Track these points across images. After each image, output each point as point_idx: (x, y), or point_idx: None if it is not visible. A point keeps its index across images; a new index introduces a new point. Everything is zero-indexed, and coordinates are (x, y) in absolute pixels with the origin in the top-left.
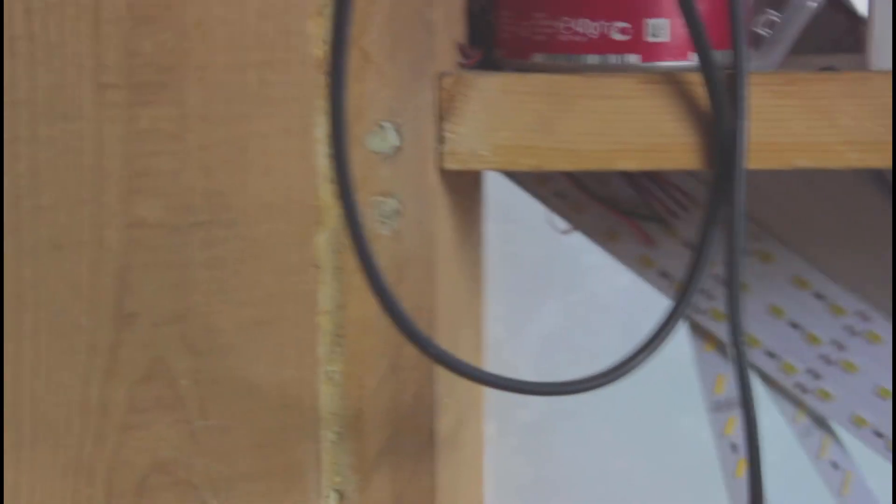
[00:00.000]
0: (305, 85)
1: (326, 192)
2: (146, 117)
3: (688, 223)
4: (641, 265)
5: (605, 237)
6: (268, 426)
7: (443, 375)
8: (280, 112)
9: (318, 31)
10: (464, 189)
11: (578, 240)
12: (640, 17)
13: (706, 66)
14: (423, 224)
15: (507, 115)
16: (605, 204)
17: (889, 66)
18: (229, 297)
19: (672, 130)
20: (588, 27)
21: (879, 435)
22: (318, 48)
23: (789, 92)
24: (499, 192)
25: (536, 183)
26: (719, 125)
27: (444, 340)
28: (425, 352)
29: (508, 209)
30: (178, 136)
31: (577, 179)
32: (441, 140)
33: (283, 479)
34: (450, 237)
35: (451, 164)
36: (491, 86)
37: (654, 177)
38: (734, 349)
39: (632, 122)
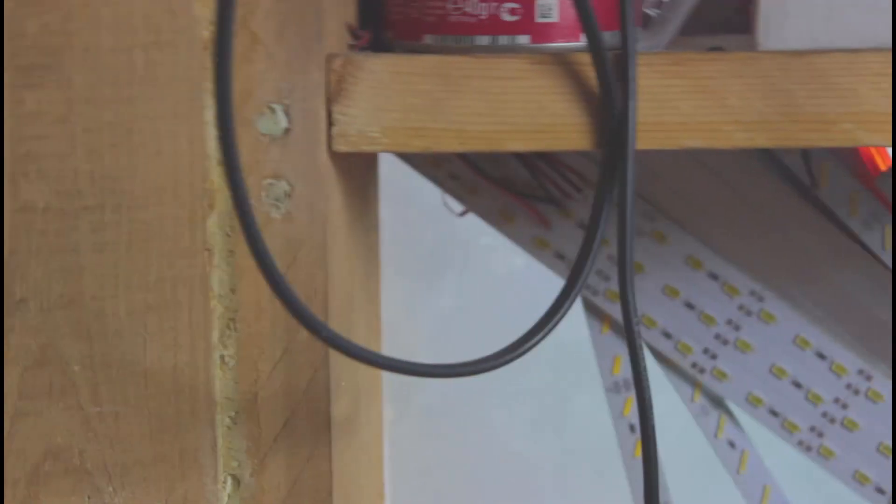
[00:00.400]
0: (193, 67)
1: (216, 175)
2: (31, 100)
3: (582, 204)
4: (537, 247)
5: (500, 219)
6: (162, 411)
7: (338, 359)
8: (168, 94)
9: (205, 13)
10: (357, 171)
11: (474, 222)
12: None
13: (594, 47)
14: (314, 206)
15: (396, 97)
16: (500, 185)
17: (778, 45)
18: (120, 281)
19: (562, 111)
20: (478, 8)
21: (775, 414)
22: (206, 29)
23: (677, 72)
24: (394, 175)
25: (431, 165)
26: (608, 106)
27: (339, 323)
28: (318, 336)
29: (404, 191)
30: (64, 119)
31: (472, 161)
32: (331, 122)
33: (178, 465)
34: (343, 219)
35: (342, 146)
36: (380, 67)
37: (548, 158)
38: (627, 330)
39: (521, 103)
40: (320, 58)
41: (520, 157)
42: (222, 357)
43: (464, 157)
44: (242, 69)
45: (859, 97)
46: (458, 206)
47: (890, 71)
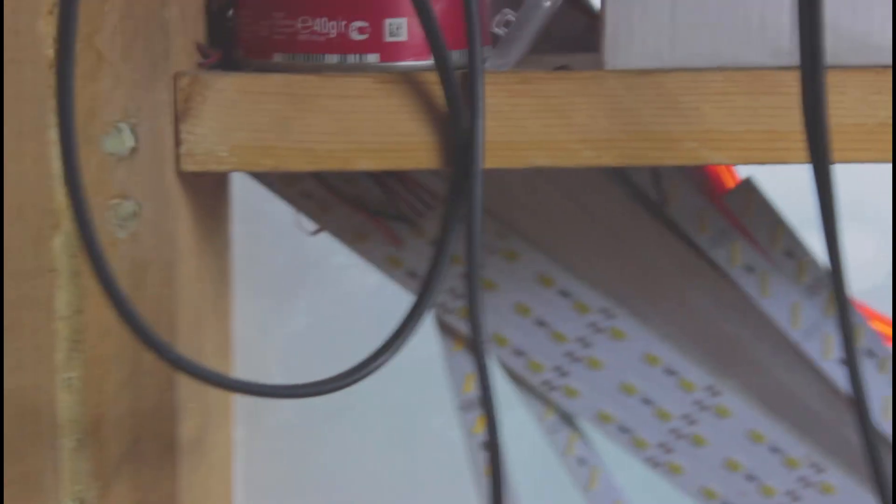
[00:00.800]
0: (38, 85)
1: (62, 195)
2: None
3: (434, 222)
4: (390, 265)
5: (352, 237)
6: (5, 434)
7: (186, 380)
8: (13, 113)
9: (49, 31)
10: (206, 190)
11: (327, 240)
12: (378, 17)
13: (441, 66)
14: (161, 226)
15: (244, 116)
16: (352, 204)
17: (624, 64)
18: None
19: (410, 130)
20: (327, 26)
21: (624, 430)
22: (50, 48)
23: (524, 91)
24: (246, 193)
25: (283, 183)
26: (456, 124)
27: (187, 344)
28: (163, 358)
29: (256, 210)
30: None
31: (324, 180)
32: (178, 141)
33: (20, 489)
34: (192, 239)
35: (189, 166)
36: (228, 86)
37: (401, 176)
38: (475, 348)
39: (370, 122)
40: (168, 76)
41: (372, 175)
42: (67, 379)
43: (316, 176)
44: (88, 88)
45: (703, 116)
46: (310, 225)
47: (732, 90)
